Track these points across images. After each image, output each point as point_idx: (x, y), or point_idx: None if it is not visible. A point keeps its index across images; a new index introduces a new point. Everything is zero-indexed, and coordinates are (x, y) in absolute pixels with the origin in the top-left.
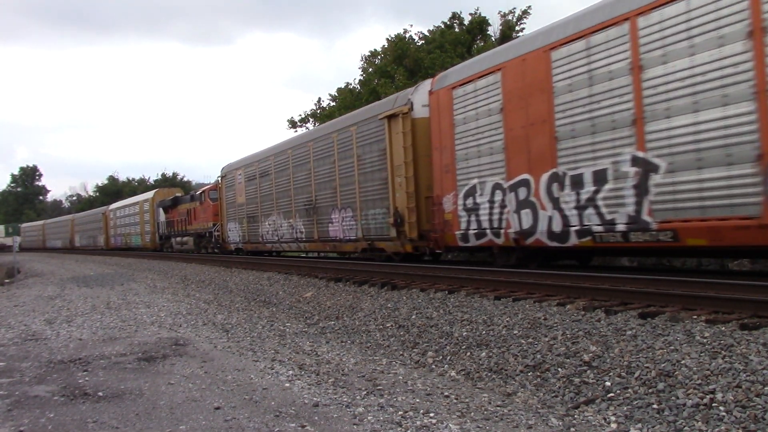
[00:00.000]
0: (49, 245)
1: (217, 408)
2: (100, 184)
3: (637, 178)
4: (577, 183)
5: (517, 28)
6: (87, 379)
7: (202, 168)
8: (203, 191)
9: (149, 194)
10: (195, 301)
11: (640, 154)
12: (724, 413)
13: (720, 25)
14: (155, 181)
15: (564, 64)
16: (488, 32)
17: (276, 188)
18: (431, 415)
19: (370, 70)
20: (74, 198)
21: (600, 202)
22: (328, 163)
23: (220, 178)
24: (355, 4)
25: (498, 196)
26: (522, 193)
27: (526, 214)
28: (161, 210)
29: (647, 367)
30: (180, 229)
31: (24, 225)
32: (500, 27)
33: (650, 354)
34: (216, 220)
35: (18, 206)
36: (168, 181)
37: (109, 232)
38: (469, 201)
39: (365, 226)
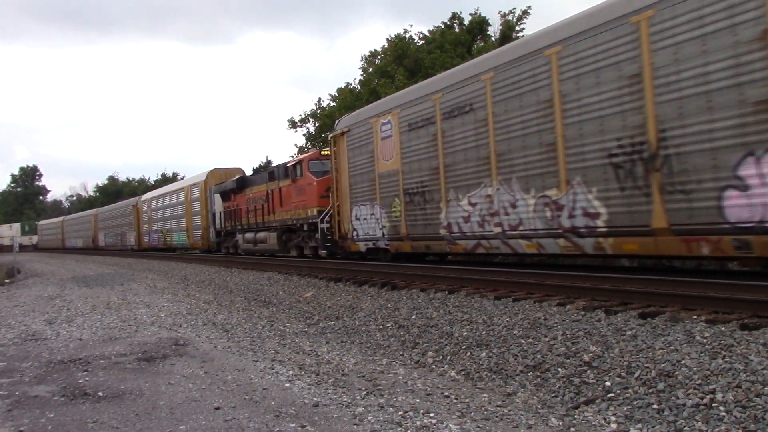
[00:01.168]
0: (69, 245)
1: (217, 408)
2: (100, 184)
3: None
4: None
5: (517, 28)
6: (87, 379)
7: (203, 168)
8: (299, 161)
9: (199, 176)
10: (195, 301)
11: None
12: (724, 413)
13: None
14: (155, 181)
15: None
16: (488, 32)
17: (499, 133)
18: (431, 415)
19: (370, 70)
20: (74, 198)
21: None
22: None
23: (335, 138)
24: (355, 3)
25: None
26: None
27: None
28: (218, 197)
29: (647, 367)
30: (253, 220)
31: (41, 222)
32: (500, 27)
33: (650, 354)
34: (324, 205)
35: (18, 206)
36: (168, 181)
37: (142, 229)
38: None
39: None
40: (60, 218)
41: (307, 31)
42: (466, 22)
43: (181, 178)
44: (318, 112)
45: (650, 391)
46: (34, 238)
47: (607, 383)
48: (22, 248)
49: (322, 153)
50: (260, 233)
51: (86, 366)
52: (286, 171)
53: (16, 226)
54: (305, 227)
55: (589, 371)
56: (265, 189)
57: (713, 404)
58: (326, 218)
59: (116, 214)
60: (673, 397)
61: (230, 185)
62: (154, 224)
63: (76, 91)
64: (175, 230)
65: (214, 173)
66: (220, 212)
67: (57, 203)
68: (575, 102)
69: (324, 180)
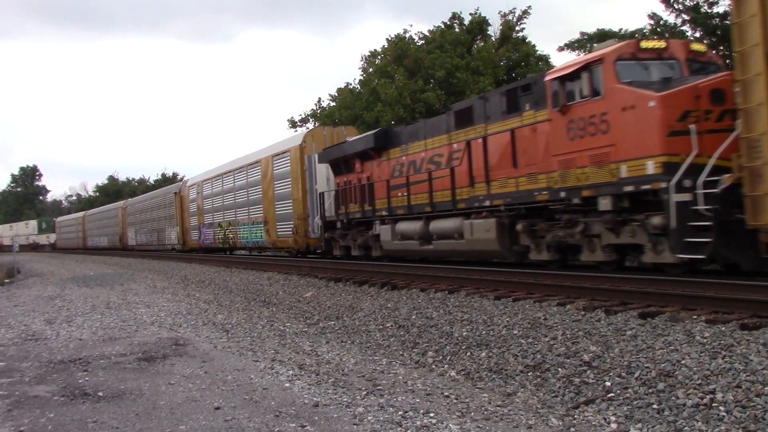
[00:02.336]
0: (91, 244)
1: (217, 408)
2: (100, 184)
3: None
4: None
5: (517, 28)
6: (87, 379)
7: (203, 168)
8: (586, 64)
9: (289, 140)
10: (195, 301)
11: None
12: (724, 413)
13: None
14: (155, 181)
15: None
16: (488, 32)
17: None
18: (431, 415)
19: (370, 70)
20: (74, 198)
21: None
22: None
23: None
24: (356, 2)
25: None
26: None
27: None
28: (323, 169)
29: (647, 367)
30: (420, 200)
31: (60, 219)
32: (500, 27)
33: (650, 354)
34: (679, 151)
35: (18, 206)
36: (169, 181)
37: (188, 223)
38: None
39: None
40: (81, 213)
41: (307, 30)
42: (466, 22)
43: (182, 179)
44: (318, 112)
45: (650, 391)
46: (52, 237)
47: (607, 383)
48: (39, 248)
49: (643, 45)
50: (442, 222)
51: (86, 366)
52: (514, 98)
53: (33, 223)
54: (603, 202)
55: (589, 371)
56: (446, 143)
57: (713, 404)
58: (688, 180)
59: (151, 206)
60: (673, 397)
61: (357, 146)
62: (206, 216)
63: (76, 90)
64: (242, 223)
65: (315, 134)
66: (333, 191)
67: (57, 203)
68: None
69: (676, 95)
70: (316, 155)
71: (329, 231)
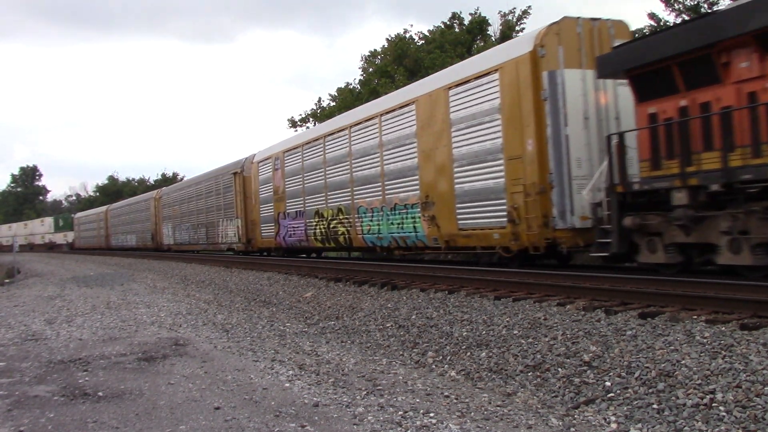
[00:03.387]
0: (115, 243)
1: (217, 408)
2: (100, 184)
3: None
4: None
5: (517, 28)
6: (87, 379)
7: (203, 168)
8: None
9: (504, 50)
10: (195, 301)
11: None
12: (724, 413)
13: None
14: (155, 181)
15: None
16: (488, 32)
17: None
18: (431, 415)
19: (370, 70)
20: (74, 198)
21: None
22: None
23: None
24: (356, 1)
25: None
26: None
27: None
28: (581, 97)
29: (647, 367)
30: None
31: (78, 215)
32: (500, 27)
33: (650, 354)
34: None
35: (18, 206)
36: (169, 181)
37: (255, 215)
38: None
39: None
40: (103, 208)
41: (307, 30)
42: (466, 22)
43: (182, 179)
44: (318, 111)
45: (650, 391)
46: (70, 236)
47: (607, 383)
48: (56, 247)
49: None
50: None
51: (86, 366)
52: None
53: (49, 221)
54: None
55: (589, 371)
56: None
57: (713, 404)
58: None
59: (197, 193)
60: (673, 397)
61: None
62: (291, 203)
63: (75, 90)
64: (369, 208)
65: (563, 32)
66: (649, 131)
67: (57, 203)
68: None
69: None
70: (563, 72)
71: (632, 215)
